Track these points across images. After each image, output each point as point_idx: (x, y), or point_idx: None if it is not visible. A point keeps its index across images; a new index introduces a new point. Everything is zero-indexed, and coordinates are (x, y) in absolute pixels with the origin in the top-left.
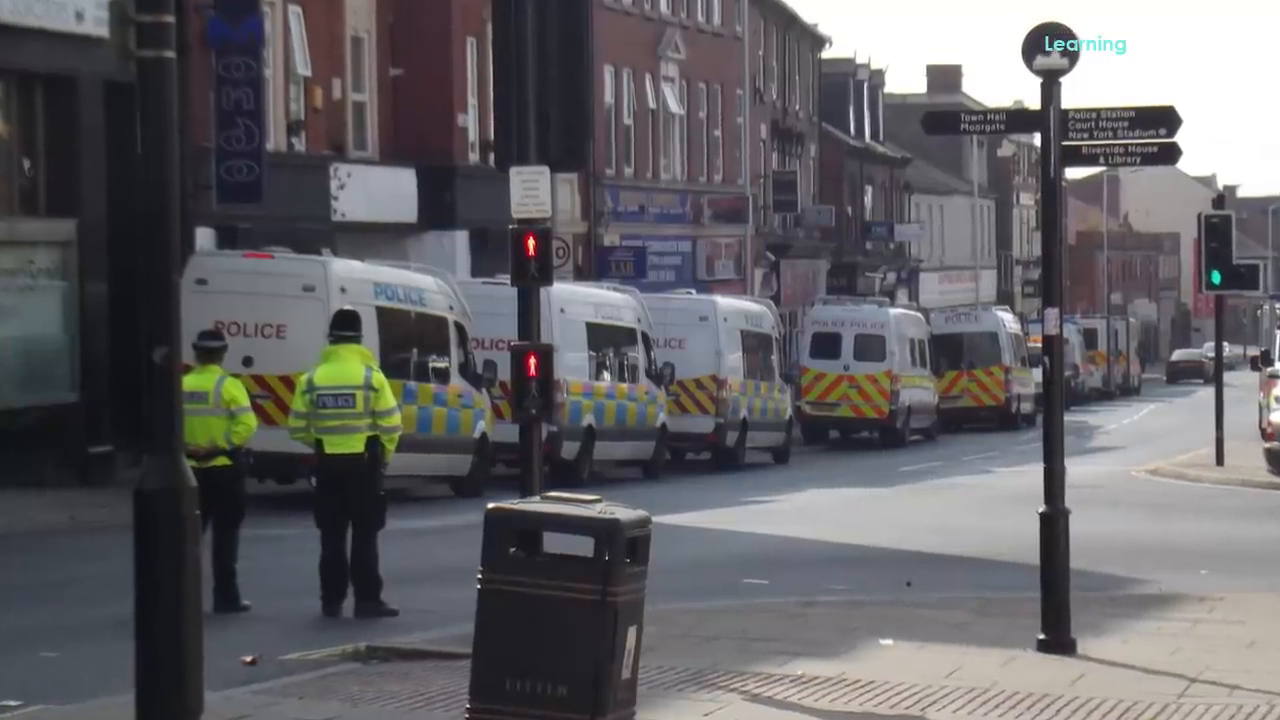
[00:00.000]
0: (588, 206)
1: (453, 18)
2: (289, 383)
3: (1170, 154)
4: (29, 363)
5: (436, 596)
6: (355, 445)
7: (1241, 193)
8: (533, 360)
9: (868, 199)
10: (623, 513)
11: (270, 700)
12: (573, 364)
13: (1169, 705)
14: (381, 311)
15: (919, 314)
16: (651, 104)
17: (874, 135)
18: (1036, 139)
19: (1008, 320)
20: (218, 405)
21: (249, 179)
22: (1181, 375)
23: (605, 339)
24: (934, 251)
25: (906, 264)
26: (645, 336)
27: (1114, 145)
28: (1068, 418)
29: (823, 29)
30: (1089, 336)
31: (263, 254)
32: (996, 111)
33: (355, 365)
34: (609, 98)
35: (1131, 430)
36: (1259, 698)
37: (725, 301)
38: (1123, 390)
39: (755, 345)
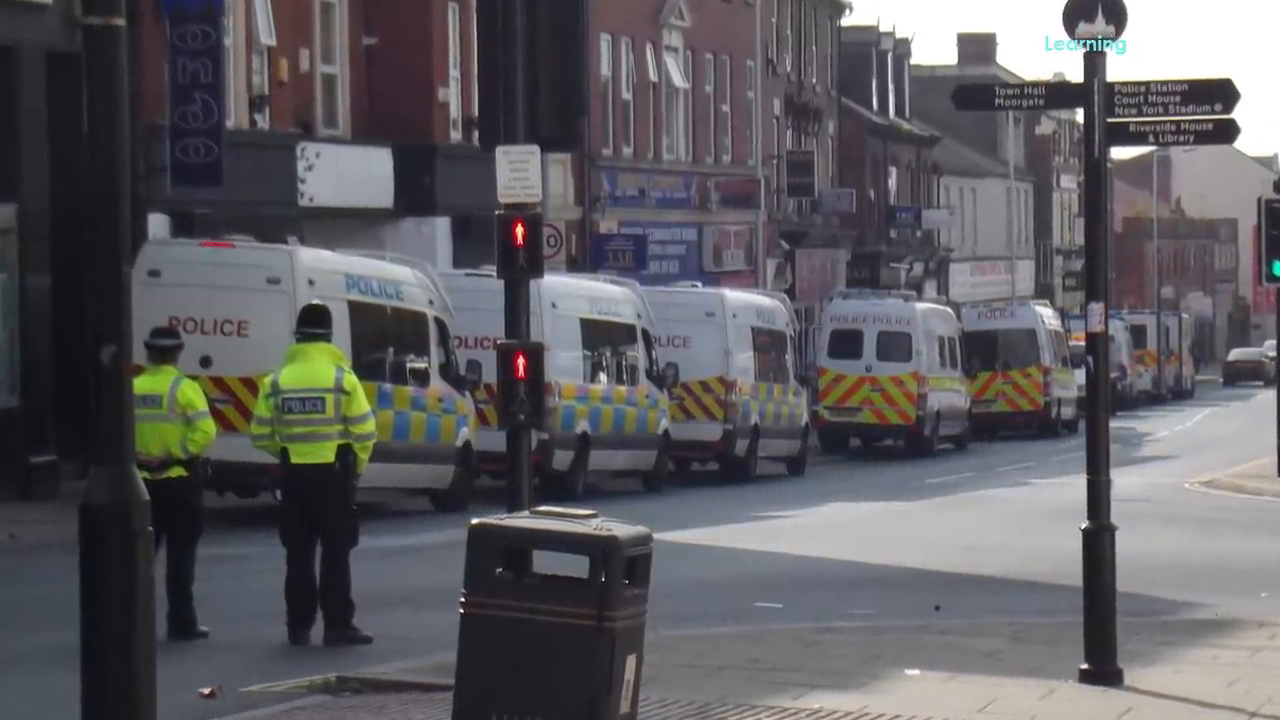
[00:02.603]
0: (582, 190)
1: None
2: (251, 385)
3: (1227, 132)
4: None
5: (414, 622)
6: (325, 454)
7: None
8: (521, 360)
9: (892, 182)
10: (621, 529)
11: None
12: (565, 364)
13: None
14: (354, 306)
15: (949, 309)
16: (653, 77)
17: (899, 111)
18: (1079, 115)
19: (1047, 316)
20: (172, 410)
21: (207, 160)
22: (1239, 377)
23: (602, 337)
24: (965, 240)
25: (935, 254)
26: (646, 334)
27: (1165, 122)
28: (1114, 424)
29: None
30: (1137, 334)
31: (222, 243)
32: (1035, 85)
33: (324, 366)
34: (606, 70)
35: (1184, 437)
36: None
37: (734, 295)
38: (1174, 393)
39: (767, 344)
